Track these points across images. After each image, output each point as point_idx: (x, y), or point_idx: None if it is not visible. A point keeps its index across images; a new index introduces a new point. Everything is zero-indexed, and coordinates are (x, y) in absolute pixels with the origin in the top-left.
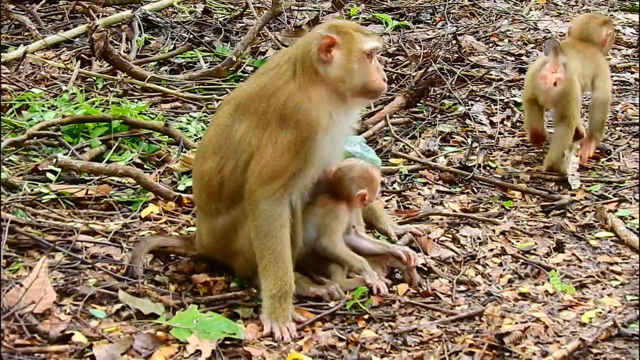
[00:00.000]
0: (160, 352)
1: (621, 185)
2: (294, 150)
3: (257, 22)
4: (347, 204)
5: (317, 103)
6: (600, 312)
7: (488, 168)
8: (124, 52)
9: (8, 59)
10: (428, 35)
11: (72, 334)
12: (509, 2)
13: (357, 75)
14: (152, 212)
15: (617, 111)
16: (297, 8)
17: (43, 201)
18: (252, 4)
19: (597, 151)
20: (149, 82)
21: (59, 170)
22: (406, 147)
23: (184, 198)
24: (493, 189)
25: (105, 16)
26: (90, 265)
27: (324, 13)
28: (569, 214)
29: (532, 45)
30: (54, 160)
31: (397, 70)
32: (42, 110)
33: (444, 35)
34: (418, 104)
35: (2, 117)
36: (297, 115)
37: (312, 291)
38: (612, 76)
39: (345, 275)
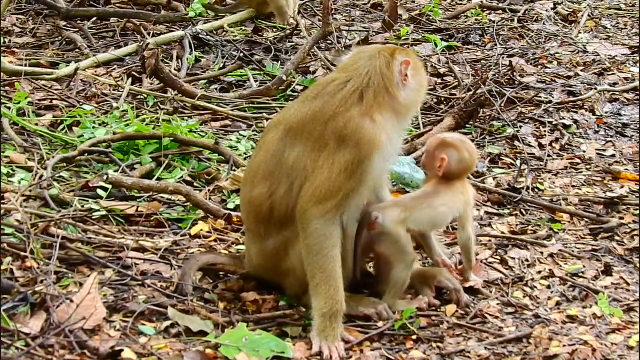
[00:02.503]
0: None
1: None
2: (351, 170)
3: (307, 41)
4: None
5: (379, 125)
6: None
7: (536, 190)
8: (174, 70)
9: (60, 76)
10: (477, 56)
11: (122, 351)
12: (558, 24)
13: (424, 94)
14: (201, 230)
15: None
16: (347, 28)
17: (93, 218)
18: (303, 23)
19: None
20: (199, 100)
21: (109, 187)
22: None
23: (234, 216)
24: (541, 211)
25: (157, 34)
26: (140, 282)
27: (374, 33)
28: (617, 237)
29: (581, 68)
30: (105, 177)
31: (446, 91)
32: (93, 127)
33: (493, 57)
34: (467, 126)
35: (54, 133)
36: (359, 135)
37: (360, 311)
38: None
39: (399, 296)
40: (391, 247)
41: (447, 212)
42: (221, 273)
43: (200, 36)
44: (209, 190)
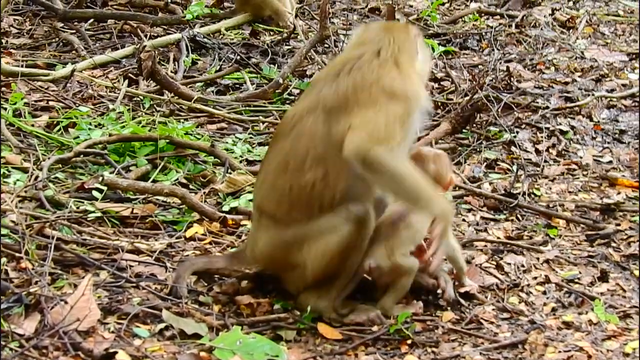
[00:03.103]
0: None
1: None
2: (403, 120)
3: (305, 45)
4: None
5: (417, 82)
6: None
7: (533, 196)
8: (171, 72)
9: (56, 77)
10: (474, 61)
11: (116, 352)
12: (556, 30)
13: (429, 66)
14: (196, 233)
15: None
16: (344, 32)
17: (88, 219)
18: (300, 27)
19: None
20: (196, 103)
21: (104, 188)
22: None
23: (229, 219)
24: (537, 216)
25: (154, 36)
26: (134, 284)
27: None
28: (613, 244)
29: (578, 74)
30: (100, 179)
31: (442, 96)
32: (89, 129)
33: (491, 62)
34: (464, 130)
35: (49, 134)
36: (406, 89)
37: (352, 318)
38: None
39: (396, 301)
40: (395, 273)
41: (423, 226)
42: (216, 276)
43: (197, 39)
44: (204, 192)
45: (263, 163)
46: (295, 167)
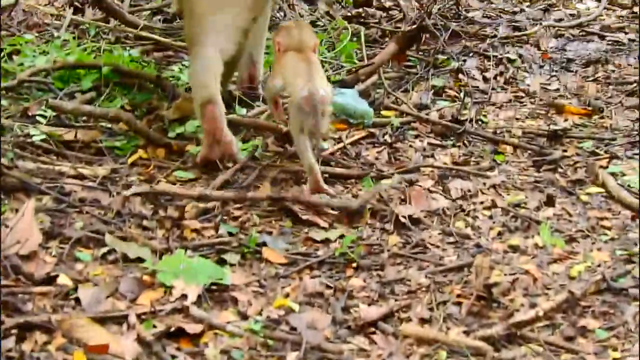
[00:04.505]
0: (146, 296)
1: (613, 142)
2: None
3: None
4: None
5: None
6: (590, 266)
7: (480, 122)
8: (117, 0)
9: (0, 5)
10: None
11: (57, 276)
12: None
13: None
14: (141, 158)
15: (612, 70)
16: None
17: (32, 144)
18: None
19: (590, 108)
20: (142, 31)
21: (49, 113)
22: (398, 100)
23: (174, 144)
24: (485, 143)
25: None
26: (77, 209)
27: None
28: (560, 169)
29: (527, 4)
30: (45, 104)
31: (390, 24)
32: (34, 56)
33: None
34: (411, 58)
35: None
36: None
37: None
38: (605, 36)
39: None
40: None
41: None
42: (161, 199)
43: None
44: (148, 119)
45: None
46: None
